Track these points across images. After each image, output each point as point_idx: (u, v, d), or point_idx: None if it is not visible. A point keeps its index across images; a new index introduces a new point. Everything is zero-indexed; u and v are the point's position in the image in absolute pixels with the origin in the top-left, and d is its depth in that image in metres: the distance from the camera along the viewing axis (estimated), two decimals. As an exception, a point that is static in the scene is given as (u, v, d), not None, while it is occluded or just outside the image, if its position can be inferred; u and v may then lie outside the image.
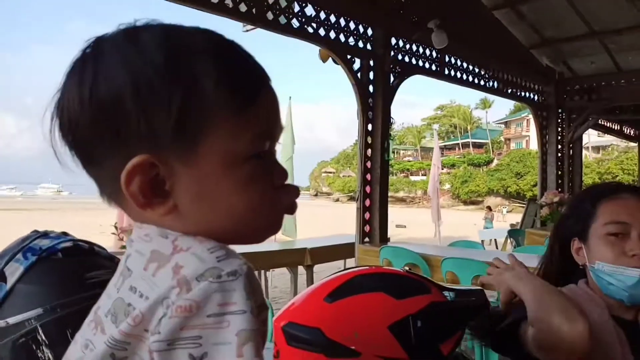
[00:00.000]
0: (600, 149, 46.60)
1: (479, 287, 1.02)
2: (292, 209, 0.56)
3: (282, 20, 3.90)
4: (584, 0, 5.85)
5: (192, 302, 0.45)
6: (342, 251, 5.39)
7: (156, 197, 0.50)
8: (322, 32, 4.27)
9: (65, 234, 0.98)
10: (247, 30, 4.28)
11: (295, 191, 0.56)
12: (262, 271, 5.53)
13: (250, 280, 0.47)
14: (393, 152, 65.95)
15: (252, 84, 0.52)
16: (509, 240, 8.12)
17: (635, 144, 12.52)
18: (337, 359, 0.81)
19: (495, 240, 10.02)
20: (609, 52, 6.81)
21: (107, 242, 3.17)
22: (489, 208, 17.45)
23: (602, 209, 1.13)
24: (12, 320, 0.82)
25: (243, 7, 3.64)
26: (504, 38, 6.57)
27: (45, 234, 0.95)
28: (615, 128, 10.26)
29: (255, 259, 4.77)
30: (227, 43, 0.53)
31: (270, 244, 6.08)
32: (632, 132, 10.94)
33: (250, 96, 0.51)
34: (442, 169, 44.04)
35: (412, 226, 23.01)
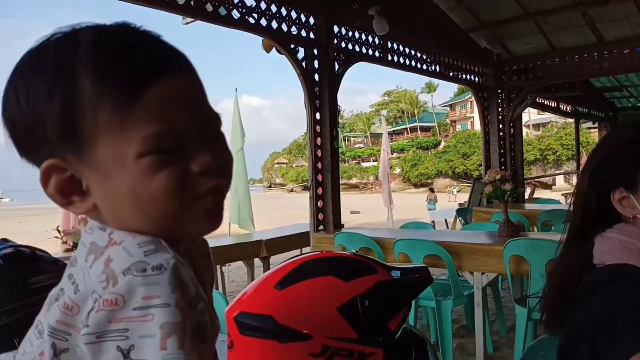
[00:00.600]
0: (541, 126, 48.69)
1: (423, 265, 1.07)
2: (213, 191, 0.53)
3: (222, 11, 3.84)
4: (517, -16, 6.08)
5: (118, 296, 0.45)
6: (297, 241, 5.42)
7: (75, 196, 0.52)
8: (263, 22, 4.24)
9: (5, 240, 0.95)
10: (187, 23, 4.20)
11: (219, 176, 0.53)
12: (218, 266, 5.49)
13: (177, 274, 0.47)
14: (344, 140, 66.45)
15: (135, 76, 0.48)
16: (457, 219, 8.39)
17: (572, 120, 13.16)
18: (290, 344, 0.83)
19: (445, 220, 10.33)
20: (543, 32, 7.10)
21: (54, 247, 3.06)
22: (431, 190, 17.98)
23: None
24: (-46, 331, 0.80)
25: (181, 0, 3.56)
26: (443, 22, 6.72)
27: None
28: (553, 105, 10.72)
29: (212, 254, 4.72)
30: (114, 34, 0.51)
31: (225, 238, 6.03)
32: (568, 109, 11.48)
33: (133, 90, 0.48)
34: (392, 154, 44.83)
35: (366, 211, 23.38)
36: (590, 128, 19.23)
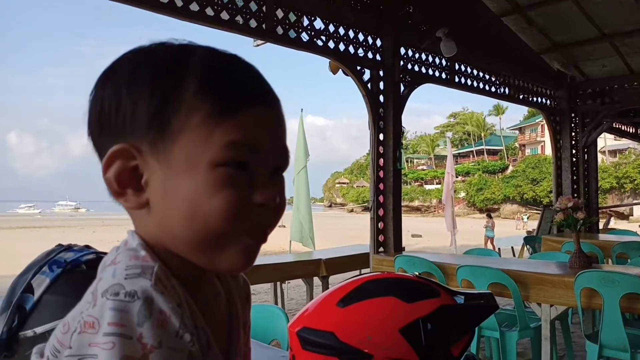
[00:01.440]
0: (617, 152, 45.94)
1: (488, 291, 1.04)
2: (260, 231, 0.54)
3: (292, 34, 3.97)
4: (593, 4, 5.85)
5: (94, 319, 0.44)
6: (357, 261, 5.39)
7: (131, 188, 0.52)
8: (331, 44, 4.33)
9: (88, 247, 1.02)
10: (258, 45, 4.36)
11: (271, 215, 0.55)
12: (278, 283, 5.56)
13: (151, 305, 0.45)
14: (407, 161, 65.82)
15: (236, 97, 0.52)
16: (525, 248, 8.04)
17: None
18: (350, 362, 0.84)
19: (512, 247, 9.92)
20: (620, 54, 6.77)
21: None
22: (489, 215, 17.27)
23: None
24: (39, 329, 0.86)
25: (253, 23, 3.72)
26: (513, 44, 6.57)
27: (69, 248, 0.99)
28: (630, 131, 10.13)
29: (271, 270, 4.80)
30: (226, 57, 0.55)
31: (285, 256, 6.11)
32: (648, 135, 10.80)
33: (233, 105, 0.51)
34: (457, 177, 43.81)
35: (427, 235, 22.89)
36: (674, 156, 17.92)
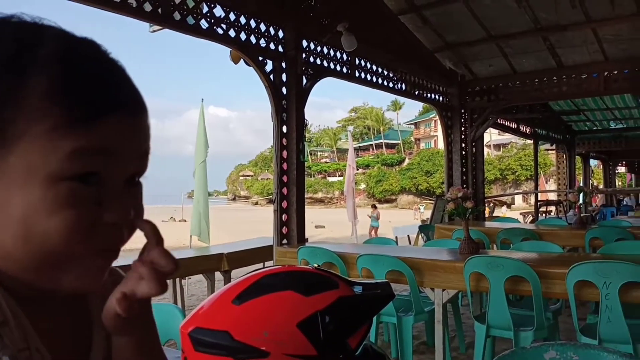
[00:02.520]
0: (501, 146, 50.11)
1: (385, 280, 1.06)
2: (111, 250, 0.49)
3: (190, 20, 3.80)
4: (482, 7, 6.27)
5: None
6: (260, 254, 5.35)
7: None
8: (232, 33, 4.22)
9: None
10: (154, 31, 4.13)
11: (124, 233, 0.50)
12: (178, 279, 5.36)
13: None
14: (310, 154, 66.73)
15: (94, 106, 0.45)
16: (420, 236, 8.49)
17: (531, 141, 13.60)
18: (247, 361, 0.80)
19: (408, 236, 10.43)
20: (504, 55, 7.35)
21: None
22: (374, 206, 17.95)
23: None
24: None
25: (148, 7, 3.50)
26: (410, 42, 6.87)
27: None
28: (513, 127, 11.07)
29: (170, 266, 4.61)
30: (86, 49, 0.47)
31: (185, 251, 5.90)
32: (527, 130, 11.86)
33: (86, 118, 0.44)
34: (357, 170, 45.20)
35: (330, 226, 23.41)
36: (548, 150, 19.94)
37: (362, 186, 52.45)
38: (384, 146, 62.88)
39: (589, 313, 3.39)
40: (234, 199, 74.21)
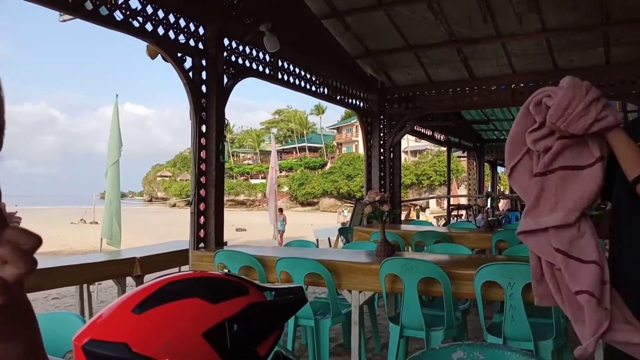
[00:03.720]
0: (417, 153, 52.22)
1: (299, 285, 1.03)
2: None
3: (104, 11, 3.58)
4: (401, 17, 6.48)
5: None
6: (176, 259, 5.16)
7: None
8: (149, 27, 4.02)
9: None
10: (65, 20, 3.86)
11: None
12: (85, 285, 5.04)
13: None
14: (233, 155, 65.75)
15: None
16: (339, 238, 8.61)
17: (445, 148, 14.29)
18: (146, 375, 0.74)
19: (328, 238, 10.54)
20: (422, 64, 7.64)
21: None
22: (281, 210, 17.61)
23: None
24: None
25: (57, -7, 3.27)
26: (333, 47, 6.95)
27: None
28: (429, 134, 11.56)
29: (75, 272, 4.32)
30: None
31: (95, 255, 5.57)
32: (441, 138, 12.43)
33: None
34: (280, 172, 45.15)
35: (252, 228, 23.17)
36: (460, 157, 21.05)
37: (285, 189, 52.47)
38: (307, 149, 63.34)
39: (495, 312, 3.59)
40: (150, 200, 71.43)
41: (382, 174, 8.12)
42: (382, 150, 8.18)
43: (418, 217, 20.68)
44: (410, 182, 44.84)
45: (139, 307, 0.77)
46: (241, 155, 70.76)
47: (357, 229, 6.75)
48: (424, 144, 44.36)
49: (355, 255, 4.14)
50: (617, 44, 6.56)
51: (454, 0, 6.02)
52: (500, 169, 21.08)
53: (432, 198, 38.60)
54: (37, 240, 0.47)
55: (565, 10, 5.97)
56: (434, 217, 18.99)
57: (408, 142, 43.56)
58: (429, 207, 38.15)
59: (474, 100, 8.00)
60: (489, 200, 6.84)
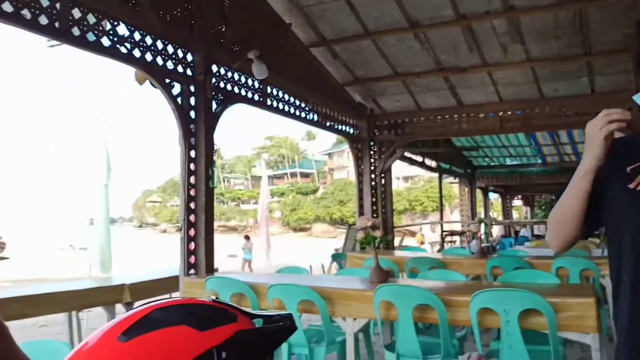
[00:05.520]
0: (409, 178, 52.42)
1: (288, 312, 1.02)
2: None
3: (91, 37, 3.61)
4: (388, 46, 6.60)
5: None
6: (166, 285, 5.07)
7: None
8: (137, 53, 4.04)
9: None
10: (53, 46, 3.87)
11: None
12: (74, 312, 4.93)
13: None
14: (223, 181, 65.61)
15: None
16: (332, 265, 8.54)
17: (437, 174, 14.35)
18: (130, 406, 0.72)
19: (322, 265, 10.45)
20: (410, 92, 7.74)
21: None
22: (247, 237, 17.10)
23: None
24: None
25: (44, 20, 3.28)
26: (321, 74, 7.04)
27: None
28: (420, 160, 11.61)
29: (63, 299, 4.24)
30: None
31: (83, 281, 5.47)
32: (432, 164, 12.49)
33: None
34: (272, 198, 45.06)
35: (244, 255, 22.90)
36: (452, 182, 21.19)
37: (277, 214, 52.26)
38: (298, 175, 63.41)
39: (492, 339, 3.54)
40: (140, 226, 70.72)
41: (373, 199, 8.13)
42: (373, 175, 8.20)
43: (423, 242, 20.63)
44: (403, 208, 44.85)
45: (124, 334, 0.76)
46: (232, 180, 70.59)
47: (351, 255, 6.71)
48: (415, 169, 44.54)
49: (348, 282, 4.10)
50: (600, 73, 6.71)
51: (439, 31, 6.15)
52: (492, 195, 21.20)
53: (424, 224, 38.58)
54: None
55: (547, 40, 6.12)
56: (429, 243, 18.97)
57: (400, 168, 43.82)
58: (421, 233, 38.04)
59: (463, 128, 8.09)
60: (483, 226, 6.85)
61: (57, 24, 3.35)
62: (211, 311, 0.86)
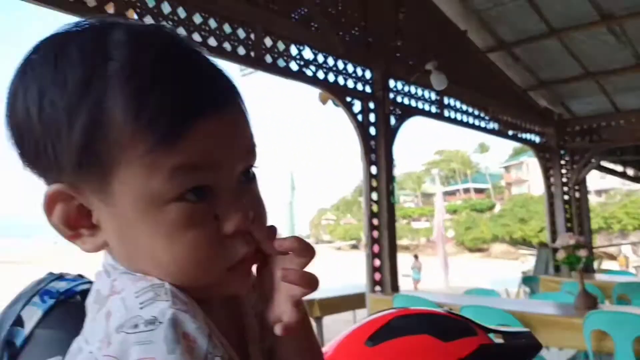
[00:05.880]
0: (603, 192, 46.54)
1: (527, 329, 0.90)
2: (244, 260, 0.45)
3: (281, 63, 3.92)
4: (577, 42, 5.96)
5: (112, 359, 0.37)
6: (352, 302, 5.17)
7: (84, 229, 0.44)
8: (320, 74, 4.29)
9: (81, 276, 0.91)
10: (245, 75, 4.30)
11: (244, 245, 0.45)
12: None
13: (176, 328, 0.38)
14: (394, 199, 66.06)
15: (178, 113, 0.40)
16: (521, 289, 7.87)
17: (639, 186, 12.46)
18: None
19: (506, 289, 9.70)
20: (605, 92, 6.87)
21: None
22: (416, 257, 16.01)
23: None
24: (31, 367, 0.73)
25: (242, 51, 3.67)
26: (501, 80, 6.64)
27: (60, 277, 0.87)
28: (619, 170, 10.18)
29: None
30: (153, 45, 0.42)
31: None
32: (635, 174, 10.85)
33: (173, 131, 0.40)
34: (445, 215, 43.84)
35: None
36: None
37: (451, 233, 50.56)
38: (472, 190, 60.73)
39: None
40: (317, 243, 74.59)
41: (567, 215, 7.31)
42: (565, 188, 7.41)
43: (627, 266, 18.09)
44: (597, 227, 39.80)
45: (371, 339, 0.75)
46: (402, 197, 70.60)
47: (544, 278, 6.13)
48: (610, 182, 39.46)
49: (547, 307, 3.71)
50: None
51: (637, 21, 5.34)
52: None
53: (625, 244, 33.81)
54: (313, 251, 0.51)
55: None
56: (634, 267, 16.48)
57: (589, 180, 39.24)
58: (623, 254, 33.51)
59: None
60: None
61: (252, 54, 3.72)
62: (451, 322, 0.80)
